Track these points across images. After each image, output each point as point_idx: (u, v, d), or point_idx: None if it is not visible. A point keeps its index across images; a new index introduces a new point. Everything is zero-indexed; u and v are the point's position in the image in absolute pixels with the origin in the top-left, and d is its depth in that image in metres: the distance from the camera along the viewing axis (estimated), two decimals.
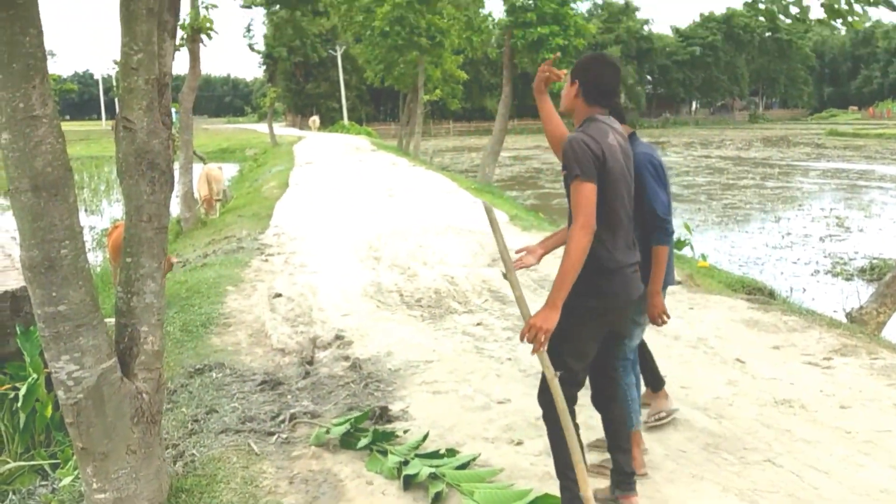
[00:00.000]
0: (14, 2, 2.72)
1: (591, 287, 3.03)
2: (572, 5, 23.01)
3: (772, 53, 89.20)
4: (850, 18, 6.52)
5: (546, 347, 2.93)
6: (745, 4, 7.14)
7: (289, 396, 4.91)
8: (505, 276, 3.06)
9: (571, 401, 3.15)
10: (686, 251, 11.05)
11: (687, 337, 6.01)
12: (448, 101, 34.84)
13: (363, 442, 4.05)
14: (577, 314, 3.05)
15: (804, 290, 10.80)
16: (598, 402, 3.42)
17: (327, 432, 4.19)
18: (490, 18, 27.06)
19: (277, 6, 34.39)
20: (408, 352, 5.79)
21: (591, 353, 3.16)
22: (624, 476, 3.33)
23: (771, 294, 8.34)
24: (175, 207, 14.84)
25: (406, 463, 3.77)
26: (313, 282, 8.17)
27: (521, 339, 2.94)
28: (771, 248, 14.13)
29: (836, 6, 6.46)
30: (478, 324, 6.59)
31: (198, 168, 16.13)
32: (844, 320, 7.19)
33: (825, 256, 13.25)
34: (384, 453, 3.93)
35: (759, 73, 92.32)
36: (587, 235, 2.87)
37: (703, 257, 10.33)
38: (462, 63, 34.02)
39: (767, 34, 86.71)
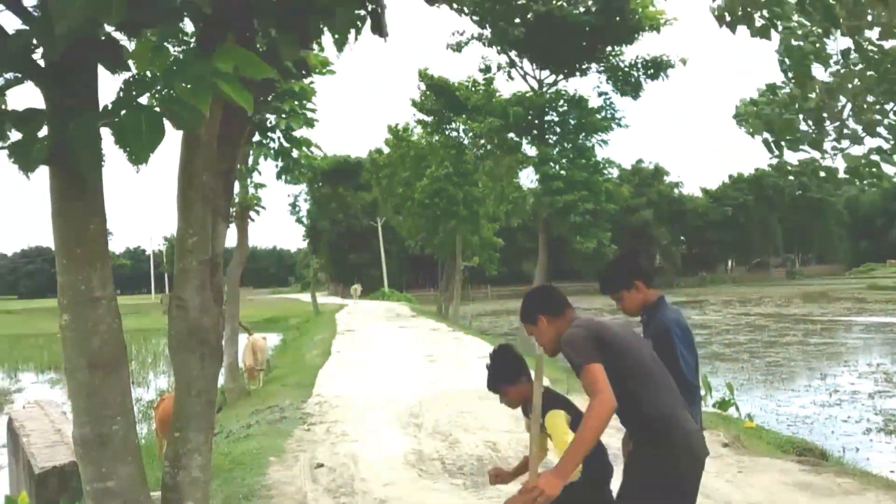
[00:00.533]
0: (82, 194, 2.98)
1: (665, 442, 2.99)
2: (605, 171, 23.92)
3: (804, 211, 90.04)
4: (874, 179, 6.75)
5: None
6: (773, 167, 7.41)
7: None
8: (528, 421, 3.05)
9: None
10: (731, 412, 10.83)
11: (738, 502, 5.83)
12: (487, 266, 35.51)
13: None
14: (652, 481, 2.99)
15: (857, 449, 10.43)
16: None
17: None
18: (521, 190, 28.16)
19: (321, 182, 36.18)
20: None
21: None
22: None
23: (823, 455, 8.09)
24: (220, 378, 15.03)
25: None
26: (355, 450, 8.14)
27: (520, 494, 2.89)
28: (819, 407, 13.75)
29: (860, 169, 6.70)
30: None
31: (242, 339, 16.45)
32: None
33: (876, 414, 12.84)
34: None
35: (792, 230, 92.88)
36: (607, 409, 2.85)
37: (750, 417, 10.11)
38: (498, 230, 34.94)
39: (798, 192, 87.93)
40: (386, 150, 33.80)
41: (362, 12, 3.45)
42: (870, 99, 6.53)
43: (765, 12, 5.48)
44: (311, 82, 8.79)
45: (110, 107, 2.62)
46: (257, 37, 3.61)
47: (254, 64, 2.69)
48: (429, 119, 28.37)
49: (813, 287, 64.73)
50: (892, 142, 6.66)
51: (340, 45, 3.49)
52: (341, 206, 40.55)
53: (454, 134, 28.31)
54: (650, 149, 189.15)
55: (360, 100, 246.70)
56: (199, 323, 3.41)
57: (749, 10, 5.31)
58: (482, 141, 25.35)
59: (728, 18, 5.33)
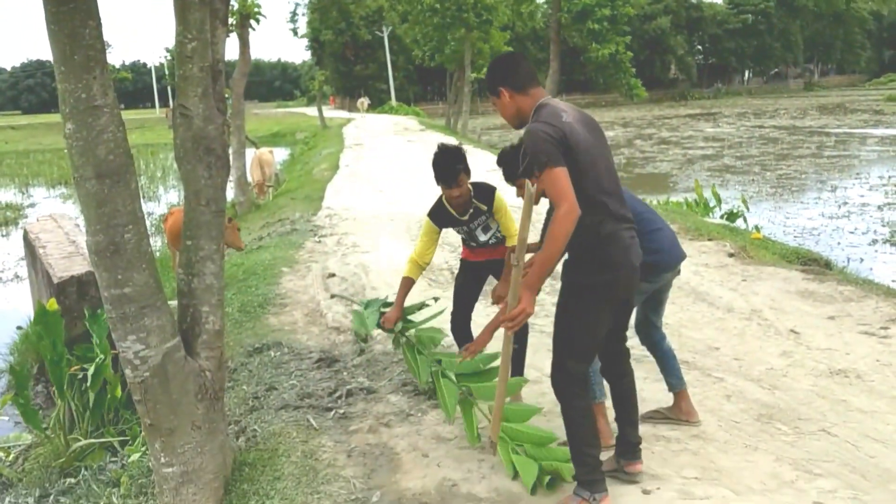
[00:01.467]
0: None
1: (596, 262, 3.03)
2: None
3: (827, 18, 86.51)
4: None
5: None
6: None
7: (344, 373, 5.02)
8: (513, 263, 3.06)
9: (585, 379, 3.23)
10: (739, 223, 10.91)
11: (740, 309, 5.97)
12: None
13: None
14: (588, 292, 3.05)
15: (861, 260, 10.57)
16: (608, 375, 3.44)
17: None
18: None
19: None
20: None
21: (604, 330, 3.15)
22: (630, 446, 3.38)
23: (827, 264, 8.21)
24: (229, 192, 15.14)
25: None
26: (365, 261, 8.30)
27: (508, 321, 2.97)
28: (827, 219, 13.83)
29: None
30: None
31: (250, 153, 16.40)
32: None
33: (883, 225, 12.92)
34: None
35: (814, 39, 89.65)
36: (571, 219, 2.83)
37: (757, 229, 10.17)
38: (509, 39, 33.81)
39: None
40: None
41: None
42: None
43: None
44: None
45: None
46: None
47: None
48: None
49: (830, 98, 63.38)
50: None
51: None
52: (344, 15, 38.87)
53: None
54: None
55: None
56: (203, 131, 3.34)
57: None
58: None
59: None
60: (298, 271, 8.04)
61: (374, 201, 12.60)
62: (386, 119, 41.67)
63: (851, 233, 12.48)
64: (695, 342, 5.28)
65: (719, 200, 12.19)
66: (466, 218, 4.24)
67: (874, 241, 11.83)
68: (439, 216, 4.30)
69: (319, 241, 9.56)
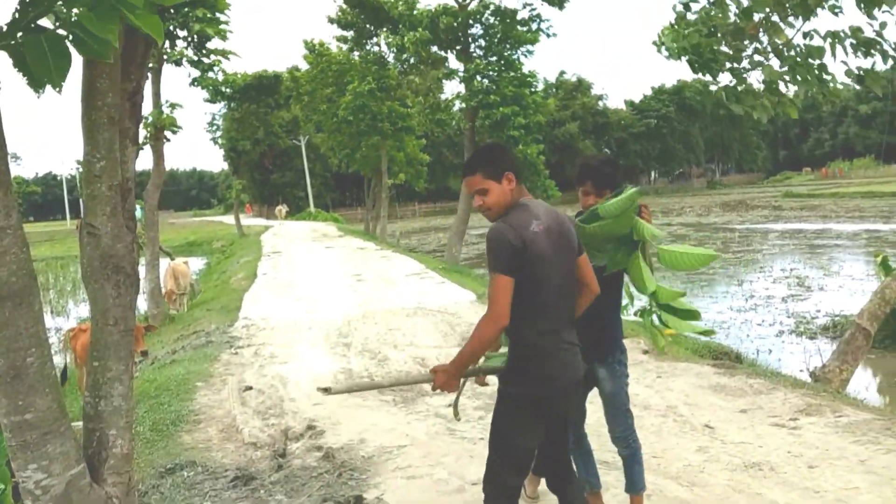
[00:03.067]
0: None
1: (524, 373, 3.04)
2: (532, 84, 23.80)
3: (724, 122, 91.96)
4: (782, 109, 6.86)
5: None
6: (698, 87, 7.43)
7: (262, 491, 4.86)
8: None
9: (517, 493, 3.20)
10: (653, 319, 11.18)
11: (656, 406, 6.08)
12: (414, 182, 35.37)
13: None
14: (515, 404, 3.06)
15: (770, 351, 10.96)
16: (553, 486, 3.40)
17: None
18: (451, 102, 27.82)
19: (238, 99, 35.03)
20: (381, 437, 5.78)
21: (535, 443, 3.12)
22: None
23: (737, 357, 8.47)
24: (142, 304, 14.77)
25: None
26: (283, 372, 8.15)
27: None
28: (736, 312, 14.34)
29: (775, 87, 6.80)
30: (449, 405, 6.60)
31: (164, 264, 16.12)
32: (809, 380, 7.32)
33: (788, 317, 13.47)
34: None
35: (713, 140, 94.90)
36: (493, 327, 2.90)
37: (667, 325, 10.43)
38: (425, 146, 34.68)
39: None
40: (304, 66, 32.86)
41: None
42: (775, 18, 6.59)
43: None
44: None
45: (5, 28, 2.43)
46: None
47: None
48: (348, 34, 27.62)
49: (732, 196, 66.64)
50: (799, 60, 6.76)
51: None
52: (262, 124, 39.41)
53: (376, 49, 27.69)
54: (572, 61, 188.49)
55: (276, 15, 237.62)
56: (111, 250, 3.29)
57: None
58: (405, 55, 24.81)
59: None
60: (214, 385, 7.83)
61: (293, 309, 12.47)
62: (304, 226, 41.75)
63: (759, 325, 12.95)
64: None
65: (631, 298, 12.50)
66: None
67: (780, 333, 12.29)
68: None
69: (236, 353, 9.37)
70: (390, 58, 26.98)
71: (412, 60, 25.00)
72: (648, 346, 8.06)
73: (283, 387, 7.56)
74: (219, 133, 43.54)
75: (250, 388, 7.56)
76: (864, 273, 18.03)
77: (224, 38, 8.60)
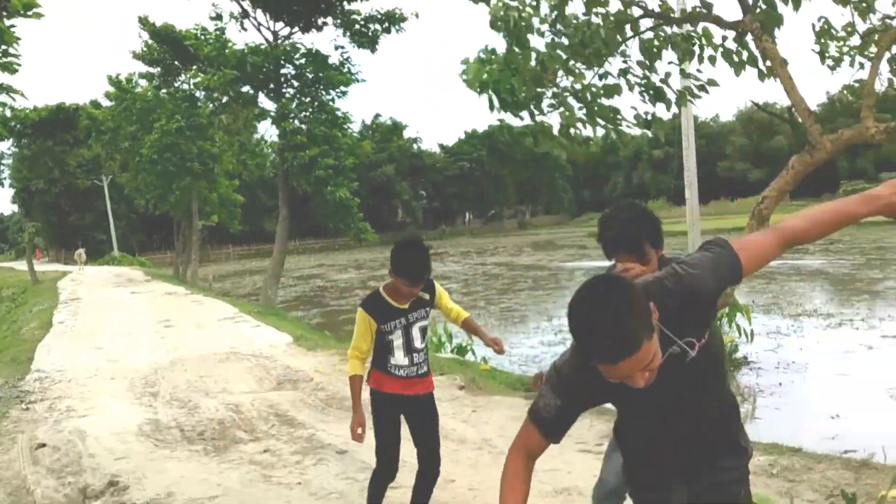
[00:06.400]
0: None
1: None
2: (346, 126, 23.92)
3: (532, 165, 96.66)
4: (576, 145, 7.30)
5: None
6: (497, 128, 7.78)
7: None
8: None
9: None
10: (469, 356, 11.47)
11: (472, 440, 6.18)
12: (228, 223, 34.36)
13: None
14: None
15: None
16: None
17: None
18: (263, 142, 27.40)
19: (30, 135, 32.63)
20: (191, 489, 5.48)
21: None
22: None
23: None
24: None
25: None
26: (82, 426, 7.56)
27: None
28: (546, 346, 14.96)
29: (572, 130, 7.23)
30: (265, 451, 6.39)
31: None
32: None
33: None
34: None
35: (523, 183, 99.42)
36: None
37: (485, 360, 10.75)
38: (238, 187, 33.88)
39: (527, 149, 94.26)
40: (106, 102, 31.25)
41: None
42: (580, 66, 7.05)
43: None
44: (12, 26, 7.83)
45: None
46: None
47: None
48: (154, 70, 26.64)
49: (542, 236, 69.91)
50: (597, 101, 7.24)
51: None
52: (57, 163, 36.76)
53: (185, 87, 26.85)
54: (387, 104, 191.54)
55: (77, 47, 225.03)
56: None
57: None
58: (216, 94, 24.22)
59: None
60: (2, 444, 7.12)
61: (93, 359, 11.65)
62: (107, 270, 39.40)
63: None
64: None
65: (449, 336, 12.76)
66: (407, 306, 3.91)
67: (503, 351, 12.93)
68: (375, 308, 3.91)
69: (27, 409, 8.59)
70: (200, 96, 26.26)
71: (223, 99, 24.46)
72: (464, 381, 8.21)
73: (82, 442, 7.00)
74: (6, 172, 40.31)
75: (44, 444, 6.94)
76: None
77: (12, 71, 7.97)
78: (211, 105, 26.05)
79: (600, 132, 7.60)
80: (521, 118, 7.32)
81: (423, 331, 3.99)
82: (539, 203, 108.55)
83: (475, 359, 11.38)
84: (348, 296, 27.51)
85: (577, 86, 6.56)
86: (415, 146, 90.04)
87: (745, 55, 6.38)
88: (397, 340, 3.91)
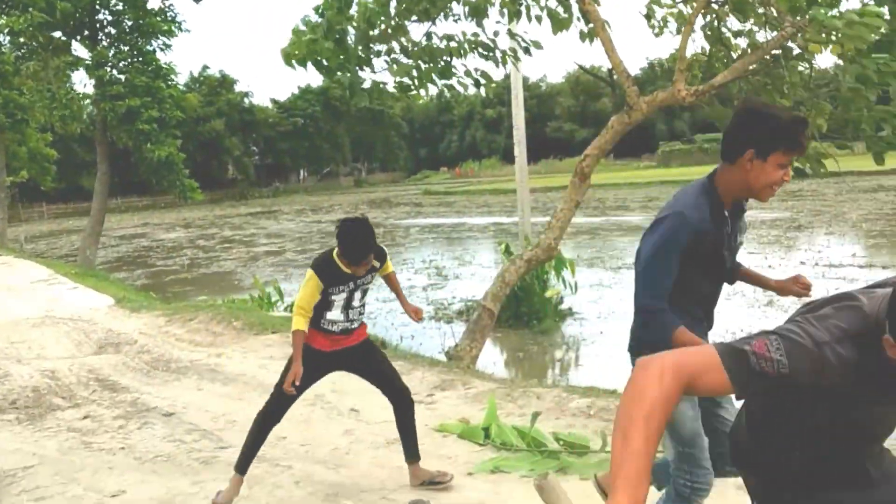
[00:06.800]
0: None
1: None
2: (170, 78, 22.69)
3: (367, 122, 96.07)
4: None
5: None
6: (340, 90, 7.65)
7: None
8: None
9: None
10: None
11: (305, 396, 6.12)
12: (40, 180, 31.95)
13: None
14: None
15: (413, 336, 11.68)
16: None
17: None
18: (74, 92, 25.50)
19: None
20: (2, 460, 5.15)
21: None
22: None
23: (383, 344, 8.90)
24: None
25: None
26: None
27: None
28: (381, 302, 15.06)
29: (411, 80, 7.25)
30: (85, 417, 6.09)
31: None
32: (444, 359, 7.94)
33: (429, 304, 14.48)
34: None
35: (359, 140, 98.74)
36: None
37: None
38: (52, 141, 31.53)
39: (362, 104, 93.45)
40: None
41: None
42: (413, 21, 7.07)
43: None
44: None
45: None
46: None
47: None
48: None
49: (378, 194, 69.92)
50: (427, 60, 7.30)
51: None
52: None
53: None
54: (216, 57, 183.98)
55: None
56: None
57: None
58: (22, 39, 22.24)
59: None
60: None
61: None
62: None
63: (402, 313, 13.72)
64: None
65: (281, 295, 12.59)
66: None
67: (422, 319, 13.17)
68: (326, 272, 3.92)
69: None
70: (4, 40, 24.06)
71: (31, 45, 22.51)
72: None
73: None
74: None
75: None
76: (492, 261, 19.98)
77: None
78: (17, 51, 23.91)
79: (434, 90, 7.68)
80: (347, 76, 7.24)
81: (365, 292, 4.14)
82: (375, 160, 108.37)
83: None
84: (176, 255, 26.47)
85: (407, 43, 6.59)
86: (246, 100, 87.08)
87: (567, 15, 6.63)
88: (339, 300, 4.01)
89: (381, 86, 7.31)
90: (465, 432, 5.03)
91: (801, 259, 15.38)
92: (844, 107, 6.00)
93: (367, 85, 6.78)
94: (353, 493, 4.16)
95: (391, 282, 4.63)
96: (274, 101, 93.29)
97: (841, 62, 6.25)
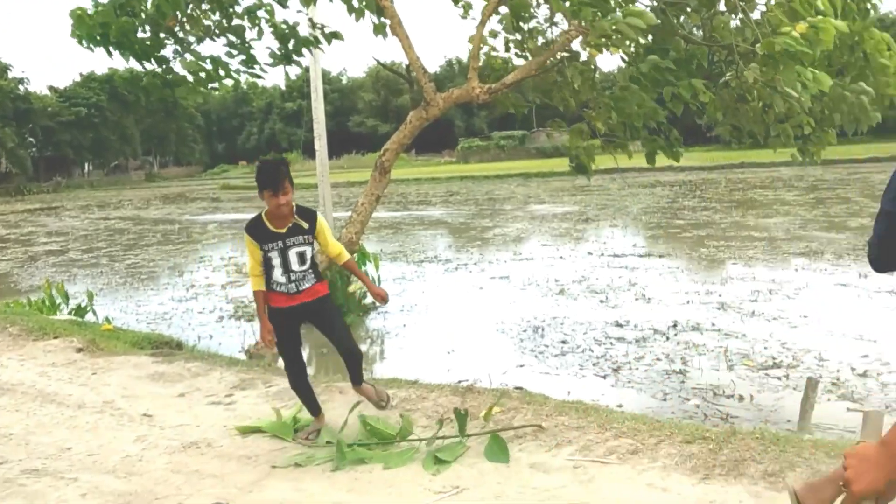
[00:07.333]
0: None
1: None
2: None
3: (159, 114, 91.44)
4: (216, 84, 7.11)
5: None
6: (124, 78, 7.26)
7: None
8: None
9: None
10: (89, 317, 10.68)
11: (92, 403, 5.79)
12: None
13: None
14: None
15: (211, 336, 11.27)
16: None
17: None
18: None
19: None
20: None
21: None
22: None
23: (179, 345, 8.53)
24: None
25: None
26: None
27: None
28: (177, 302, 14.41)
29: (200, 74, 6.99)
30: None
31: None
32: (244, 357, 7.74)
33: (228, 302, 14.02)
34: None
35: (150, 132, 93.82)
36: None
37: (108, 320, 10.09)
38: None
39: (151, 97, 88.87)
40: None
41: None
42: (204, 7, 6.83)
43: None
44: None
45: None
46: None
47: None
48: None
49: (172, 189, 66.77)
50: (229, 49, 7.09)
51: None
52: None
53: None
54: None
55: None
56: None
57: None
58: None
59: None
60: None
61: None
62: None
63: (200, 313, 13.20)
64: (45, 447, 4.93)
65: (66, 297, 11.73)
66: (284, 231, 4.35)
67: (221, 318, 12.71)
68: (255, 231, 4.42)
69: None
70: None
71: None
72: (83, 343, 7.64)
73: None
74: None
75: None
76: None
77: None
78: None
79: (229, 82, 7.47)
80: (143, 66, 6.93)
81: (301, 255, 4.45)
82: (168, 154, 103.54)
83: (97, 318, 10.64)
84: None
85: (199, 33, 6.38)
86: (21, 87, 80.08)
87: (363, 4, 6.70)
88: (276, 261, 4.42)
89: (169, 77, 7.02)
90: (271, 427, 4.93)
91: (589, 250, 16.43)
92: (618, 107, 6.48)
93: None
94: (147, 502, 3.96)
95: (351, 268, 4.93)
96: (53, 89, 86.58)
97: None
